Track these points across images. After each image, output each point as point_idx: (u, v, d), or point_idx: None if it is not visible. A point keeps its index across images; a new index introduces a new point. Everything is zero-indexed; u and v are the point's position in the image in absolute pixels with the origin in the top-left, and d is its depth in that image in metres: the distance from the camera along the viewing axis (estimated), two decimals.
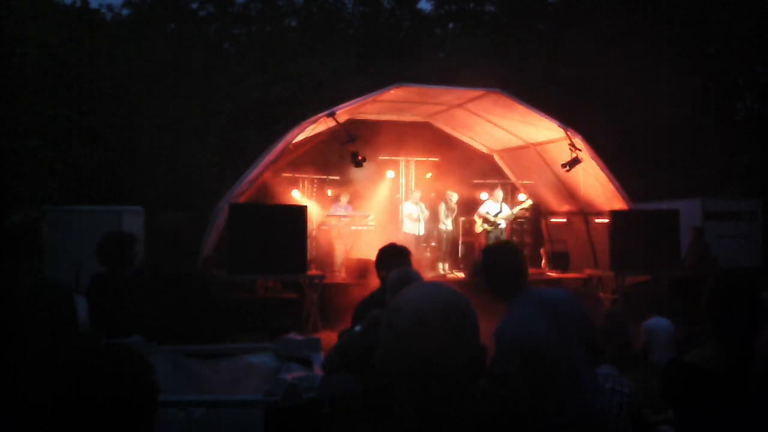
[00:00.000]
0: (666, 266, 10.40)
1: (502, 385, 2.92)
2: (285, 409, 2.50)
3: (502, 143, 13.67)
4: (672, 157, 19.36)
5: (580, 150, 10.73)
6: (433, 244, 12.40)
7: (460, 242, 12.86)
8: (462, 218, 12.71)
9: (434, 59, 24.63)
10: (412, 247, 3.99)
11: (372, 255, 10.29)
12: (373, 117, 13.05)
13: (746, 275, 2.51)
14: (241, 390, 2.94)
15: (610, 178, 11.42)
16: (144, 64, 19.96)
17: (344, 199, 11.89)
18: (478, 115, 12.44)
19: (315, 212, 11.87)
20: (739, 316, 2.25)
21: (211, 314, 3.34)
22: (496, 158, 14.38)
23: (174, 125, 18.78)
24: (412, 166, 13.53)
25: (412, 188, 12.97)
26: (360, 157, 10.24)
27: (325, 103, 13.31)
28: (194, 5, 29.07)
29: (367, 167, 10.89)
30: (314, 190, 13.03)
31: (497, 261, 2.86)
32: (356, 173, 11.57)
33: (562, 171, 11.44)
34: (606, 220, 11.24)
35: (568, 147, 10.79)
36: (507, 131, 12.68)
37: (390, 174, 13.15)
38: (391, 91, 10.93)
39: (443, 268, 12.28)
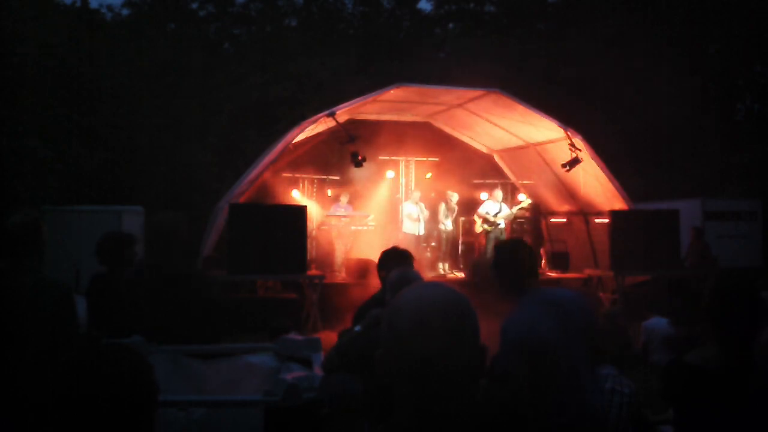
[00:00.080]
0: (666, 266, 10.40)
1: (502, 385, 2.93)
2: (285, 409, 2.50)
3: (502, 143, 13.67)
4: (672, 157, 19.37)
5: (580, 150, 10.73)
6: (433, 244, 12.41)
7: (460, 242, 12.86)
8: (462, 218, 12.71)
9: (434, 59, 24.63)
10: (412, 247, 4.00)
11: (372, 255, 10.27)
12: (373, 117, 13.05)
13: (746, 275, 2.51)
14: (241, 390, 2.94)
15: (610, 178, 11.42)
16: (144, 64, 19.96)
17: (344, 199, 11.89)
18: (478, 115, 12.44)
19: (315, 212, 11.87)
20: (739, 316, 2.25)
21: (208, 314, 3.34)
22: (496, 158, 14.38)
23: (174, 125, 18.78)
24: (412, 166, 13.53)
25: (412, 188, 12.97)
26: (360, 157, 10.24)
27: (325, 103, 13.32)
28: (194, 5, 29.09)
29: (367, 167, 10.89)
30: (314, 190, 13.03)
31: (506, 258, 2.86)
32: (356, 173, 11.57)
33: (562, 171, 11.44)
34: (606, 220, 11.24)
35: (568, 147, 10.80)
36: (507, 131, 12.68)
37: (390, 174, 13.15)
38: (391, 91, 10.93)
39: (443, 268, 12.29)
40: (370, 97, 10.99)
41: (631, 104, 19.44)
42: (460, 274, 12.07)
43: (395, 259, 3.54)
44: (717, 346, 2.28)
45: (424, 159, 13.44)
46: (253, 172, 11.73)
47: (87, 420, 1.23)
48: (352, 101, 10.87)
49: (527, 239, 13.41)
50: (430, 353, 1.14)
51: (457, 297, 1.21)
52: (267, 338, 4.71)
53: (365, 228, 11.94)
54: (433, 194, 12.70)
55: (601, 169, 11.28)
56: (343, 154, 11.30)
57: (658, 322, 6.30)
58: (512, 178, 14.25)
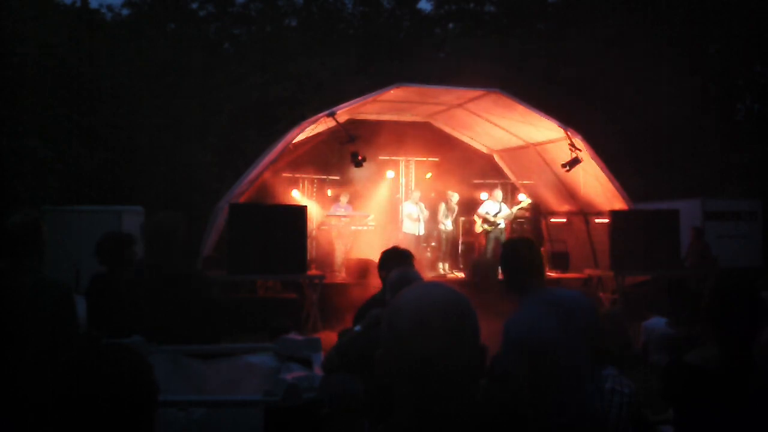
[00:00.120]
0: (666, 266, 10.40)
1: (502, 385, 2.92)
2: (285, 409, 2.50)
3: (502, 143, 13.67)
4: (672, 157, 19.37)
5: (580, 150, 10.73)
6: (433, 244, 12.41)
7: (460, 242, 12.86)
8: (462, 218, 12.72)
9: (434, 59, 24.62)
10: (412, 247, 4.00)
11: (372, 255, 10.27)
12: (373, 117, 13.05)
13: (746, 275, 2.51)
14: (241, 390, 2.94)
15: (610, 178, 11.42)
16: (144, 64, 19.96)
17: (344, 199, 11.89)
18: (478, 115, 12.44)
19: (315, 212, 11.87)
20: (739, 316, 2.26)
21: (207, 314, 3.34)
22: (496, 158, 14.38)
23: (174, 125, 18.77)
24: (412, 166, 13.54)
25: (412, 188, 12.97)
26: (360, 157, 10.24)
27: (325, 103, 13.32)
28: (194, 5, 29.08)
29: (367, 167, 10.89)
30: (314, 190, 13.03)
31: (513, 256, 2.86)
32: (356, 173, 11.57)
33: (562, 171, 11.44)
34: (606, 220, 11.24)
35: (568, 147, 10.80)
36: (507, 131, 12.68)
37: (390, 174, 13.15)
38: (391, 91, 10.93)
39: (443, 268, 12.29)
40: (370, 97, 10.99)
41: (631, 104, 19.44)
42: (460, 274, 12.07)
43: (395, 258, 3.54)
44: (717, 346, 2.28)
45: (424, 159, 13.44)
46: (253, 172, 11.73)
47: (87, 420, 1.23)
48: (352, 101, 10.87)
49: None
50: (430, 353, 1.14)
51: (457, 297, 1.21)
52: (267, 338, 4.71)
53: (365, 228, 11.94)
54: (433, 194, 12.70)
55: (601, 169, 11.28)
56: (343, 154, 11.30)
57: (657, 322, 6.30)
58: (512, 178, 14.25)
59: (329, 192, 12.92)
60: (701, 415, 2.25)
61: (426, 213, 12.01)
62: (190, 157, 18.04)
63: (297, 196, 12.38)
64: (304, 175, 12.93)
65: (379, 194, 12.78)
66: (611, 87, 19.49)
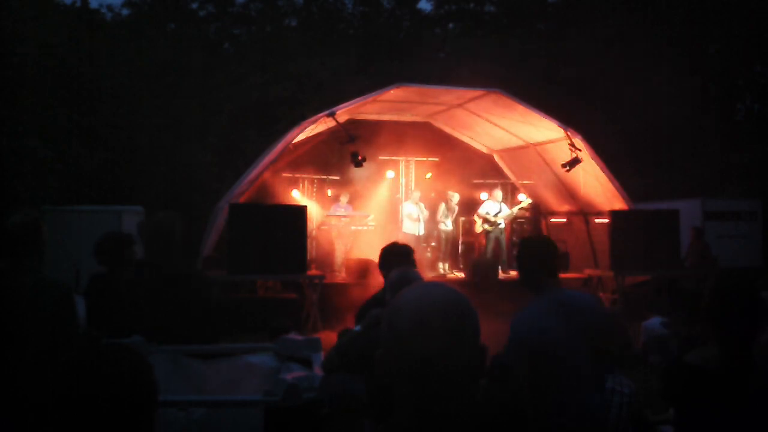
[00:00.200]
0: (666, 266, 10.40)
1: (502, 385, 2.92)
2: (285, 409, 2.50)
3: (502, 143, 13.67)
4: (672, 157, 19.36)
5: (580, 150, 10.73)
6: (433, 244, 12.41)
7: (460, 242, 12.87)
8: (462, 218, 12.72)
9: (434, 59, 24.61)
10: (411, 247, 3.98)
11: (372, 255, 10.25)
12: (373, 117, 13.05)
13: (746, 275, 2.51)
14: (241, 390, 2.94)
15: (610, 178, 11.42)
16: (144, 64, 19.96)
17: (344, 199, 11.90)
18: (478, 115, 12.44)
19: (315, 212, 11.87)
20: (739, 316, 2.26)
21: (205, 314, 3.33)
22: (496, 158, 14.38)
23: (174, 125, 18.77)
24: (412, 166, 13.54)
25: (412, 188, 12.97)
26: (360, 157, 10.24)
27: (325, 103, 13.32)
28: (194, 5, 29.07)
29: (367, 167, 10.90)
30: (314, 190, 13.04)
31: (528, 253, 2.87)
32: (356, 173, 11.58)
33: (562, 171, 11.44)
34: (606, 220, 11.24)
35: (568, 147, 10.80)
36: (507, 131, 12.68)
37: (390, 174, 13.15)
38: (391, 91, 10.93)
39: (443, 268, 12.29)
40: (370, 97, 10.99)
41: (631, 104, 19.44)
42: (460, 274, 12.08)
43: (396, 255, 3.53)
44: (717, 346, 2.28)
45: (424, 159, 13.44)
46: (253, 172, 11.73)
47: (87, 420, 1.23)
48: (352, 101, 10.87)
49: None
50: (430, 353, 1.14)
51: (457, 297, 1.21)
52: (267, 338, 4.71)
53: (365, 228, 11.94)
54: (433, 194, 12.71)
55: (601, 169, 11.28)
56: (343, 154, 11.31)
57: (656, 323, 6.30)
58: (512, 178, 14.25)
59: (329, 192, 12.92)
60: (701, 415, 2.25)
61: (426, 213, 12.01)
62: (190, 157, 18.04)
63: (297, 196, 12.38)
64: (304, 175, 12.93)
65: (379, 194, 12.78)
66: (611, 87, 19.49)
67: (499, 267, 11.73)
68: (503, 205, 12.13)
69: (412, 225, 11.95)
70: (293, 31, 28.32)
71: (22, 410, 2.57)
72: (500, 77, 15.58)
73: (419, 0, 44.06)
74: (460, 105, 12.29)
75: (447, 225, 12.17)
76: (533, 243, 3.02)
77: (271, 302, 10.13)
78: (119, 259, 3.85)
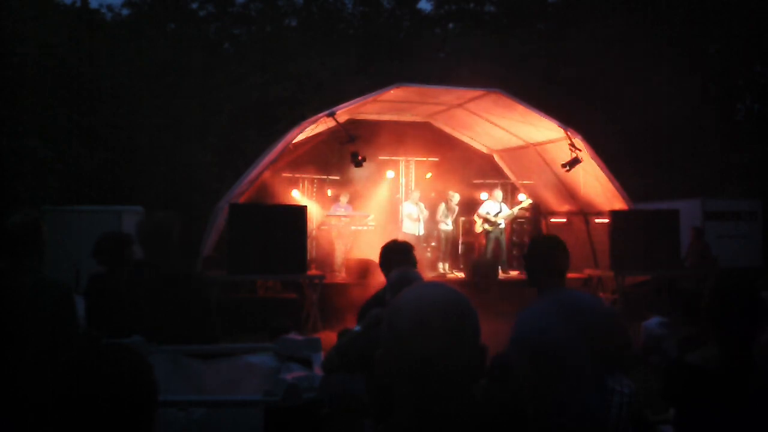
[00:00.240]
0: (666, 266, 10.40)
1: (503, 385, 2.92)
2: (285, 409, 2.50)
3: (502, 143, 13.67)
4: (672, 157, 19.36)
5: (580, 150, 10.73)
6: (433, 244, 12.41)
7: (460, 242, 12.87)
8: (462, 218, 12.72)
9: (434, 59, 24.61)
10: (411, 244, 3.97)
11: (372, 255, 10.24)
12: (373, 117, 13.05)
13: (746, 275, 2.51)
14: (241, 390, 2.94)
15: (610, 178, 11.42)
16: (144, 64, 19.95)
17: (344, 199, 11.90)
18: (478, 115, 12.44)
19: (315, 212, 11.88)
20: (739, 316, 2.26)
21: (203, 314, 3.33)
22: (496, 158, 14.38)
23: (174, 125, 18.77)
24: (412, 166, 13.54)
25: (412, 188, 12.98)
26: (360, 157, 10.24)
27: (325, 103, 13.32)
28: (194, 5, 29.07)
29: (367, 167, 10.90)
30: (314, 190, 13.04)
31: (534, 253, 2.87)
32: (356, 173, 11.58)
33: (562, 171, 11.44)
34: (606, 220, 11.24)
35: (568, 147, 10.80)
36: (507, 131, 12.68)
37: (390, 174, 13.15)
38: (391, 91, 10.93)
39: (443, 268, 12.29)
40: (370, 97, 10.99)
41: (631, 104, 19.44)
42: (460, 274, 12.08)
43: (397, 253, 3.52)
44: (717, 346, 2.28)
45: (424, 159, 13.44)
46: (253, 172, 11.73)
47: (87, 420, 1.23)
48: (352, 101, 10.87)
49: (527, 239, 13.44)
50: (430, 353, 1.14)
51: (457, 297, 1.21)
52: (267, 338, 4.71)
53: (365, 228, 11.94)
54: (433, 194, 12.71)
55: (601, 169, 11.28)
56: (343, 154, 11.30)
57: (656, 323, 6.30)
58: (512, 178, 14.25)
59: (329, 192, 12.92)
60: (701, 415, 2.25)
61: (426, 213, 12.02)
62: (190, 157, 18.04)
63: (297, 196, 12.38)
64: (304, 175, 12.93)
65: (379, 194, 12.78)
66: (611, 87, 19.49)
67: (499, 267, 11.74)
68: (503, 205, 12.14)
69: (412, 225, 11.95)
70: (293, 31, 28.32)
71: (22, 410, 2.57)
72: (500, 77, 15.59)
73: (419, 0, 44.06)
74: (460, 105, 12.29)
75: (447, 225, 12.17)
76: (540, 242, 3.01)
77: (271, 302, 10.13)
78: (119, 259, 3.85)
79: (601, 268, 11.90)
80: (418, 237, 11.83)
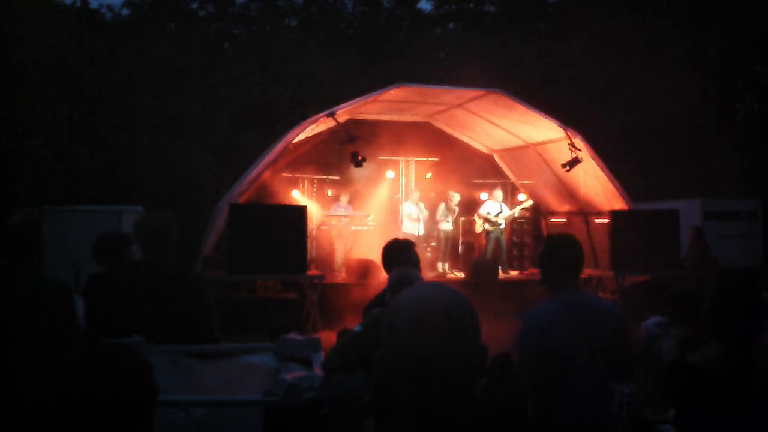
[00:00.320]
0: (666, 266, 10.40)
1: (502, 385, 2.92)
2: (285, 409, 2.50)
3: (502, 143, 13.67)
4: (672, 157, 19.35)
5: (580, 150, 10.73)
6: (433, 244, 12.41)
7: (460, 242, 12.87)
8: (462, 218, 12.72)
9: (434, 59, 24.60)
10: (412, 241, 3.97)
11: (372, 255, 10.22)
12: (373, 117, 13.05)
13: (746, 275, 2.51)
14: (241, 390, 2.94)
15: (610, 178, 11.42)
16: (144, 64, 19.95)
17: (344, 199, 11.90)
18: (478, 115, 12.44)
19: (315, 212, 11.87)
20: (740, 316, 2.26)
21: (202, 314, 3.33)
22: (496, 158, 14.38)
23: (174, 125, 18.76)
24: (412, 166, 13.54)
25: (412, 188, 12.97)
26: (360, 157, 10.24)
27: (325, 103, 13.31)
28: (194, 5, 29.05)
29: (367, 167, 10.90)
30: (314, 190, 13.04)
31: (550, 252, 2.85)
32: (356, 173, 11.58)
33: (562, 171, 11.44)
34: (606, 220, 11.24)
35: (568, 147, 10.80)
36: (507, 131, 12.68)
37: (390, 174, 13.15)
38: (391, 91, 10.93)
39: (443, 268, 12.29)
40: (370, 97, 10.99)
41: (631, 104, 19.44)
42: (460, 274, 12.08)
43: (397, 250, 3.51)
44: (718, 346, 2.28)
45: (424, 159, 13.44)
46: (253, 172, 11.73)
47: (87, 420, 1.23)
48: (352, 101, 10.87)
49: (527, 239, 13.45)
50: (430, 353, 1.14)
51: (457, 297, 1.21)
52: (267, 338, 4.71)
53: (365, 228, 11.94)
54: (433, 194, 12.71)
55: (601, 169, 11.28)
56: (343, 154, 11.30)
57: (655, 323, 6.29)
58: (512, 178, 14.26)
59: (329, 192, 12.92)
60: (702, 414, 2.25)
61: (426, 213, 12.02)
62: (190, 157, 18.03)
63: (297, 196, 12.38)
64: (304, 175, 12.93)
65: (379, 194, 12.78)
66: (611, 87, 19.49)
67: (499, 267, 11.74)
68: (504, 205, 12.14)
69: (412, 225, 11.95)
70: (293, 31, 28.28)
71: (22, 410, 2.57)
72: (500, 77, 15.58)
73: (419, 0, 44.06)
74: (460, 105, 12.29)
75: (446, 225, 12.17)
76: (555, 242, 2.98)
77: (271, 302, 10.13)
78: (118, 259, 3.85)
79: (601, 268, 11.90)
80: (418, 237, 11.83)
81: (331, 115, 10.18)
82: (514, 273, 12.50)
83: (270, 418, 2.49)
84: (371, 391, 2.75)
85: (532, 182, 13.75)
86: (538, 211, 13.63)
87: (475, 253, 12.82)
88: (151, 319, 3.11)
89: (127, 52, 19.60)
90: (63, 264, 8.58)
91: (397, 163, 13.37)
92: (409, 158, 13.44)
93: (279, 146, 11.43)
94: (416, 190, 12.45)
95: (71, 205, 12.38)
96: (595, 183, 11.75)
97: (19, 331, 2.70)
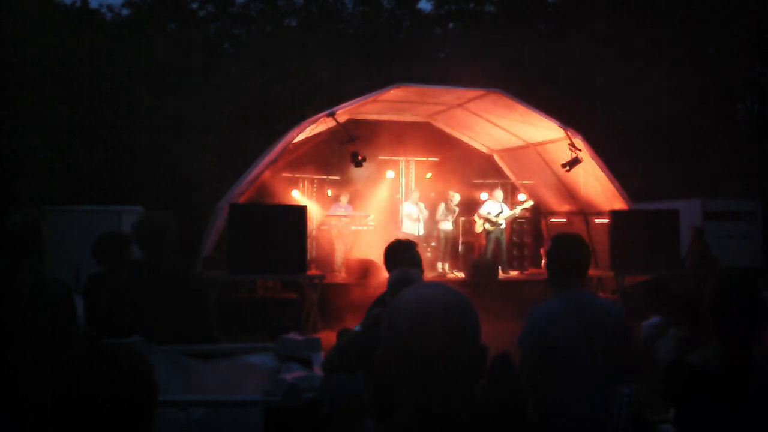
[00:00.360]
0: (666, 266, 10.40)
1: (502, 385, 2.92)
2: (285, 409, 2.50)
3: (502, 143, 13.67)
4: (672, 157, 19.35)
5: (580, 150, 10.73)
6: (433, 244, 12.41)
7: (460, 242, 12.87)
8: (462, 218, 12.72)
9: (434, 59, 24.60)
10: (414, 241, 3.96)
11: (372, 255, 10.21)
12: (373, 117, 13.05)
13: (747, 275, 2.51)
14: (241, 390, 2.94)
15: (610, 178, 11.42)
16: (144, 64, 19.95)
17: (344, 199, 11.90)
18: (478, 115, 12.44)
19: (315, 212, 11.87)
20: (740, 316, 2.26)
21: (201, 314, 3.33)
22: (496, 158, 14.38)
23: (174, 125, 18.76)
24: (412, 166, 13.54)
25: (412, 188, 12.97)
26: (360, 157, 10.24)
27: (325, 103, 13.32)
28: (194, 5, 29.05)
29: (367, 167, 10.90)
30: (314, 190, 13.04)
31: (556, 251, 2.86)
32: (356, 173, 11.58)
33: (562, 171, 11.44)
34: (606, 220, 11.24)
35: (568, 147, 10.80)
36: (507, 131, 12.68)
37: (390, 174, 13.15)
38: (391, 91, 10.93)
39: (443, 268, 12.29)
40: (370, 97, 10.99)
41: (631, 104, 19.44)
42: (460, 274, 12.07)
43: (399, 250, 3.50)
44: (718, 346, 2.28)
45: (424, 159, 13.44)
46: (253, 172, 11.73)
47: (87, 420, 1.23)
48: (352, 101, 10.87)
49: (527, 239, 13.45)
50: (430, 353, 1.14)
51: (457, 297, 1.21)
52: (267, 338, 4.71)
53: (365, 228, 11.94)
54: (433, 194, 12.71)
55: (601, 169, 11.28)
56: (343, 154, 11.30)
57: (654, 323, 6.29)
58: (512, 178, 14.26)
59: (329, 192, 12.92)
60: (702, 414, 2.25)
61: (426, 213, 12.02)
62: (190, 157, 18.03)
63: (297, 196, 12.38)
64: (304, 175, 12.93)
65: (379, 194, 12.78)
66: (611, 87, 19.49)
67: (499, 267, 11.74)
68: (504, 205, 12.14)
69: (411, 225, 11.95)
70: (293, 31, 28.27)
71: (22, 410, 2.57)
72: (500, 77, 15.58)
73: (419, 0, 44.06)
74: (460, 105, 12.29)
75: (445, 225, 12.17)
76: (563, 242, 2.98)
77: (271, 302, 10.13)
78: (118, 259, 3.85)
79: (601, 268, 11.90)
80: (418, 237, 11.83)
81: (331, 115, 10.18)
82: (514, 273, 12.50)
83: (270, 418, 2.49)
84: (371, 391, 2.75)
85: (532, 182, 13.75)
86: (538, 211, 13.63)
87: (475, 253, 12.82)
88: (151, 319, 3.11)
89: (127, 52, 19.60)
90: (63, 264, 8.58)
91: (397, 163, 13.37)
92: (409, 158, 13.44)
93: (279, 146, 11.43)
94: (416, 190, 12.45)
95: (71, 205, 12.38)
96: (595, 183, 11.75)
97: (19, 331, 2.70)
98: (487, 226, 11.83)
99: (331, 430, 2.65)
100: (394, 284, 2.89)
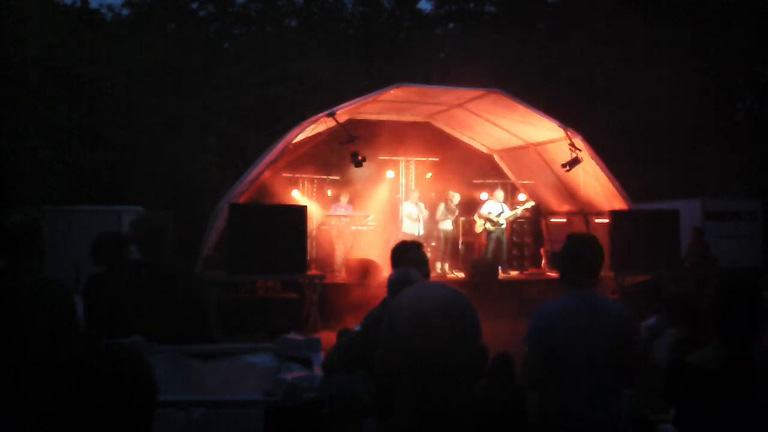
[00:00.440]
0: (666, 266, 10.40)
1: (502, 385, 2.92)
2: (285, 409, 2.50)
3: (502, 143, 13.67)
4: (672, 156, 19.35)
5: (580, 150, 10.73)
6: (433, 244, 12.41)
7: (460, 242, 12.87)
8: (462, 218, 12.72)
9: (434, 59, 24.61)
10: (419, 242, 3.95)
11: (372, 255, 10.21)
12: (373, 117, 13.05)
13: (747, 275, 2.51)
14: (241, 390, 2.94)
15: (610, 178, 11.42)
16: (144, 64, 19.95)
17: (344, 199, 11.90)
18: (478, 115, 12.44)
19: (315, 212, 11.87)
20: (741, 316, 2.25)
21: (200, 313, 3.33)
22: (496, 158, 14.38)
23: (174, 125, 18.77)
24: (412, 166, 13.53)
25: (412, 188, 12.97)
26: (360, 157, 10.24)
27: (325, 103, 13.31)
28: (194, 5, 29.06)
29: (367, 167, 10.89)
30: (314, 190, 13.04)
31: (568, 250, 2.86)
32: (356, 173, 11.58)
33: (562, 171, 11.44)
34: (606, 220, 11.24)
35: (568, 147, 10.80)
36: (507, 131, 12.68)
37: (390, 174, 13.15)
38: (391, 91, 10.93)
39: (443, 268, 12.29)
40: (370, 97, 10.99)
41: (631, 104, 19.44)
42: (460, 274, 12.07)
43: (403, 251, 3.48)
44: (719, 346, 2.28)
45: (424, 159, 13.44)
46: (253, 172, 11.73)
47: (87, 420, 1.23)
48: (352, 101, 10.87)
49: (527, 239, 13.45)
50: (430, 353, 1.14)
51: (457, 297, 1.21)
52: (267, 338, 4.71)
53: (365, 228, 11.94)
54: (433, 194, 12.70)
55: (601, 169, 11.28)
56: (343, 154, 11.30)
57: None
58: (512, 178, 14.26)
59: (329, 192, 12.92)
60: (702, 414, 2.25)
61: (426, 213, 12.02)
62: (190, 157, 18.04)
63: (297, 196, 12.38)
64: (304, 175, 12.93)
65: (379, 194, 12.78)
66: (611, 86, 19.49)
67: (499, 267, 11.74)
68: (505, 205, 12.14)
69: (411, 225, 11.94)
70: (293, 31, 28.28)
71: (22, 410, 2.57)
72: (500, 77, 15.58)
73: (419, 0, 44.05)
74: (460, 105, 12.29)
75: (447, 225, 12.17)
76: (575, 241, 2.98)
77: (271, 302, 10.13)
78: (117, 259, 3.85)
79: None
80: (418, 237, 11.82)
81: (331, 115, 10.18)
82: (514, 273, 12.50)
83: (270, 418, 2.49)
84: (371, 391, 2.75)
85: (532, 182, 13.75)
86: (538, 211, 13.63)
87: (475, 253, 12.82)
88: (151, 319, 3.11)
89: (127, 52, 19.61)
90: (63, 264, 8.56)
91: (397, 163, 13.36)
92: (409, 158, 13.44)
93: (279, 146, 11.43)
94: (416, 190, 12.44)
95: (71, 205, 12.38)
96: (595, 183, 11.75)
97: (19, 331, 2.70)
98: (489, 226, 11.83)
99: (331, 430, 2.65)
100: (393, 284, 2.88)
